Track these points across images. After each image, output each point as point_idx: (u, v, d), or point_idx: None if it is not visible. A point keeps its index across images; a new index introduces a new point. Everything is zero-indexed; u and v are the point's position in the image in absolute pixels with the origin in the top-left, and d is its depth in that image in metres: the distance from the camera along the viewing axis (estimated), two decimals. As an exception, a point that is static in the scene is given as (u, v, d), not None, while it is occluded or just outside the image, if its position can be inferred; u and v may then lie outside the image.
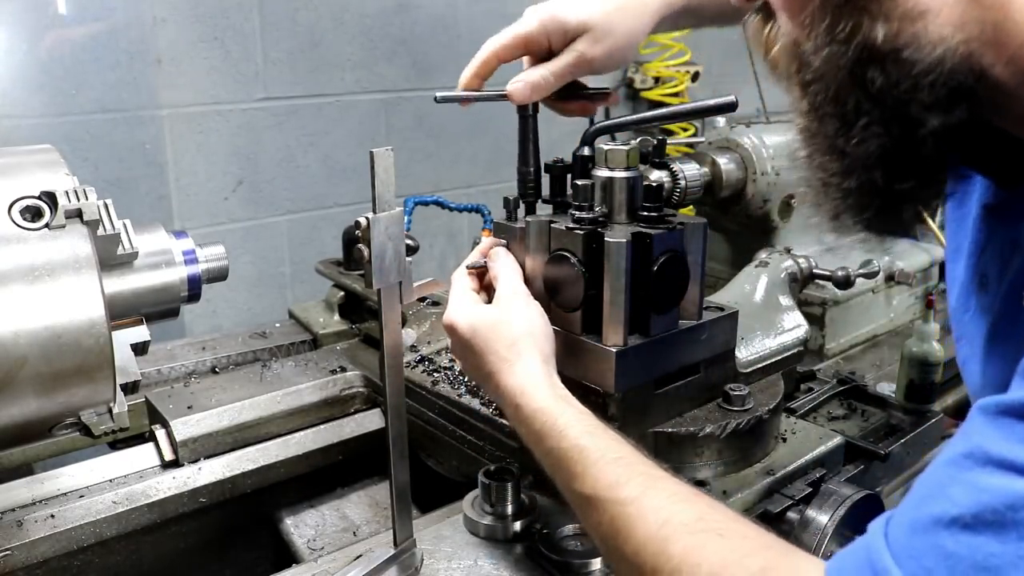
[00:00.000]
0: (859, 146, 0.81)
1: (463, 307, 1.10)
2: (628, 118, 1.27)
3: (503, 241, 1.19)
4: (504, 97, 1.18)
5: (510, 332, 1.04)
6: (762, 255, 1.61)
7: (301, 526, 1.46)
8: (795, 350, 1.45)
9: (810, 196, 0.93)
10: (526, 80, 1.17)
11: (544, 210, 1.20)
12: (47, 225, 0.93)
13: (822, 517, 1.13)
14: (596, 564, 1.05)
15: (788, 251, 1.61)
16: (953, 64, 0.75)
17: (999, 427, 0.67)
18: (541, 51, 1.19)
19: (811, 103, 0.84)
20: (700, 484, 1.09)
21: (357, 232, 0.93)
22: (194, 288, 1.14)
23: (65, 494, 1.30)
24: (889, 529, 0.69)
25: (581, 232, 1.07)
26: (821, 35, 0.80)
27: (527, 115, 1.21)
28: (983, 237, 0.99)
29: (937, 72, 0.75)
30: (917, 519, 0.67)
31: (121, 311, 1.07)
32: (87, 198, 0.95)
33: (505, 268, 1.14)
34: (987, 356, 0.99)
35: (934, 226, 1.85)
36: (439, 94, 1.19)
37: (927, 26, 0.75)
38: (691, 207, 1.96)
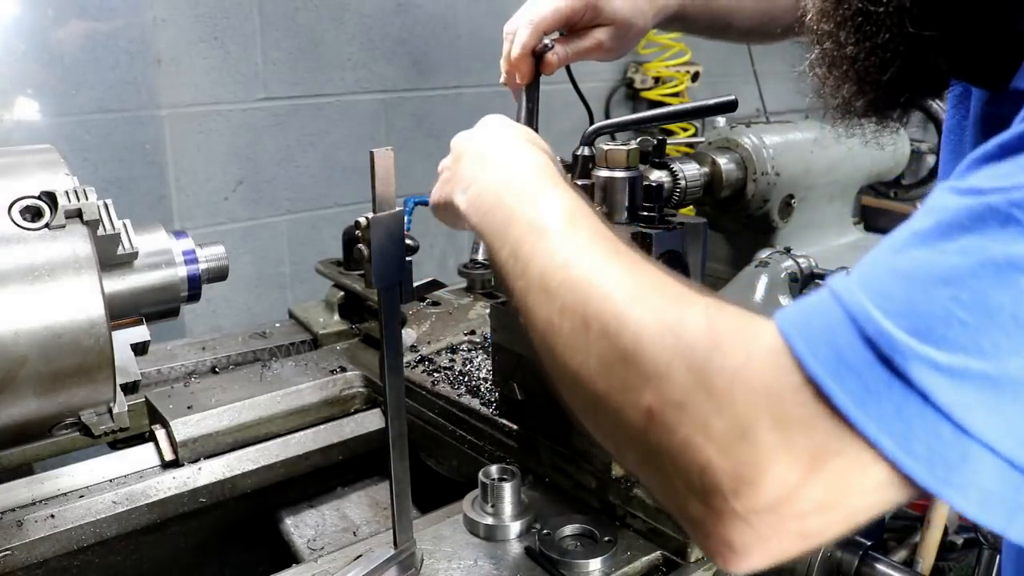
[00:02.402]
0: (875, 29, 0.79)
1: None
2: (628, 118, 1.27)
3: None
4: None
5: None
6: (762, 255, 1.61)
7: (301, 526, 1.46)
8: (795, 350, 1.45)
9: (817, 74, 0.90)
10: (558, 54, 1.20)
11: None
12: (47, 225, 0.93)
13: (822, 517, 1.12)
14: (595, 564, 1.05)
15: (788, 251, 1.61)
16: None
17: (981, 168, 0.58)
18: (571, 27, 1.22)
19: None
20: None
21: (357, 232, 0.93)
22: (194, 288, 1.14)
23: (65, 494, 1.30)
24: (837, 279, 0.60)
25: (581, 232, 1.07)
26: None
27: (532, 93, 1.22)
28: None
29: None
30: (874, 259, 0.59)
31: (121, 311, 1.07)
32: (87, 198, 0.95)
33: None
34: None
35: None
36: None
37: None
38: (691, 207, 1.96)
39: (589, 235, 0.76)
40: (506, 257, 0.80)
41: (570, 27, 1.21)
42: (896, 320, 0.54)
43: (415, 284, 1.02)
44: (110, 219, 0.99)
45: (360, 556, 1.08)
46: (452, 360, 1.55)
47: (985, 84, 0.89)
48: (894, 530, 1.97)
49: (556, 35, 1.22)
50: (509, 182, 0.87)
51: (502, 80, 1.23)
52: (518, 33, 1.18)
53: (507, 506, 1.13)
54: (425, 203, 1.97)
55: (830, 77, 0.87)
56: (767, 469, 0.55)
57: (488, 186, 0.89)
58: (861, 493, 0.56)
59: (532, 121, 1.21)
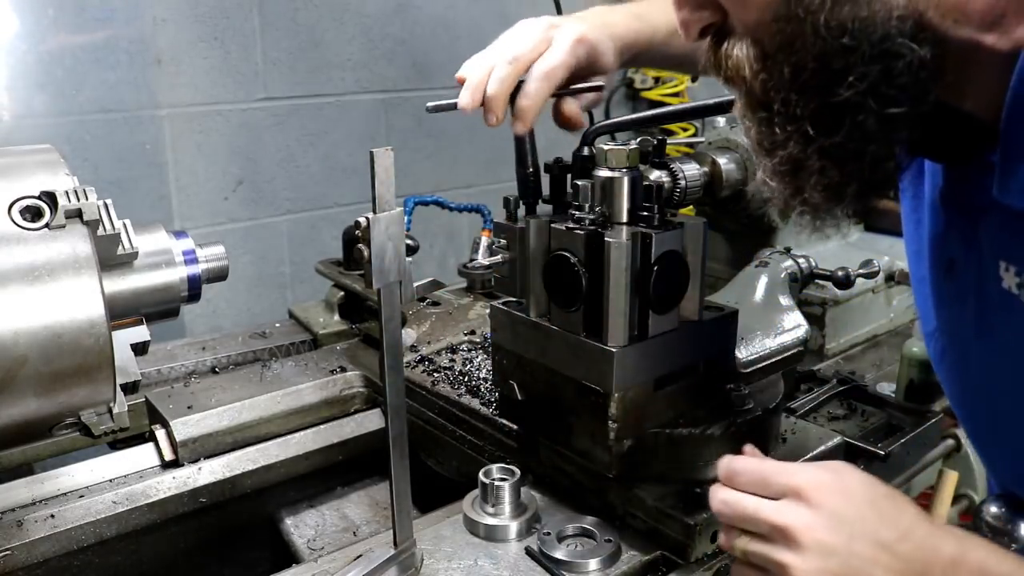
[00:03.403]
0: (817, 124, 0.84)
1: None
2: (628, 118, 1.28)
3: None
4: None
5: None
6: (762, 255, 1.61)
7: (301, 526, 1.46)
8: (795, 350, 1.45)
9: (766, 178, 0.94)
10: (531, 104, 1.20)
11: (544, 210, 1.20)
12: (47, 225, 0.93)
13: (822, 517, 1.12)
14: (595, 564, 1.05)
15: (788, 251, 1.61)
16: (905, 28, 0.78)
17: None
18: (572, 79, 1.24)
19: (769, 85, 0.86)
20: (700, 484, 1.09)
21: (357, 232, 0.93)
22: (194, 288, 1.14)
23: (65, 494, 1.30)
24: None
25: (581, 232, 1.07)
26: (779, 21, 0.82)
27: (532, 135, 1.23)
28: (943, 223, 1.00)
29: (893, 38, 0.78)
30: None
31: (121, 311, 1.07)
32: (87, 198, 0.95)
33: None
34: (981, 347, 0.99)
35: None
36: (430, 104, 1.20)
37: None
38: (691, 207, 1.96)
39: None
40: None
41: (571, 79, 1.23)
42: None
43: (415, 284, 1.02)
44: (110, 219, 0.99)
45: (360, 556, 1.08)
46: (452, 360, 1.55)
47: (952, 159, 0.90)
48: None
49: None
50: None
51: (519, 127, 1.22)
52: (534, 86, 1.18)
53: (507, 506, 1.13)
54: (425, 203, 1.97)
55: (787, 184, 0.91)
56: None
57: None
58: None
59: (525, 152, 1.21)
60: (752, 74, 0.88)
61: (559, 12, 2.38)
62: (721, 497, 0.91)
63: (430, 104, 1.20)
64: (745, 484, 0.90)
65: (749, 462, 0.92)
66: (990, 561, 0.82)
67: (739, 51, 0.89)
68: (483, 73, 1.19)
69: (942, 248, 1.01)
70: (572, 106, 1.25)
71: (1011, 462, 1.07)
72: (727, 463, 0.93)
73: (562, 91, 1.21)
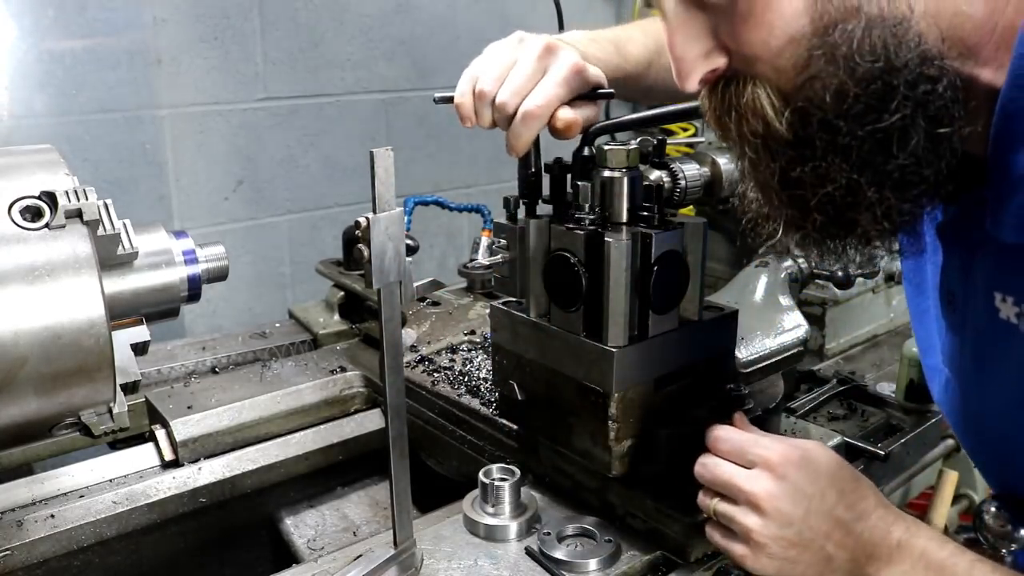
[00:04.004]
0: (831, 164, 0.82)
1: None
2: (628, 118, 1.27)
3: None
4: None
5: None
6: (762, 255, 1.61)
7: (301, 526, 1.46)
8: (795, 350, 1.45)
9: (761, 205, 0.93)
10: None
11: (544, 210, 1.20)
12: (47, 225, 0.93)
13: (822, 517, 1.12)
14: (595, 564, 1.05)
15: (788, 251, 1.61)
16: (931, 53, 0.77)
17: None
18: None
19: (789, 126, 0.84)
20: (700, 484, 1.09)
21: (357, 232, 0.93)
22: (194, 288, 1.14)
23: (65, 494, 1.30)
24: None
25: (581, 232, 1.07)
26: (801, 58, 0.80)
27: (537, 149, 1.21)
28: (942, 257, 1.00)
29: (930, 60, 0.77)
30: None
31: (121, 311, 1.07)
32: (87, 198, 0.95)
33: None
34: (979, 377, 0.99)
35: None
36: (438, 95, 1.19)
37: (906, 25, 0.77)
38: (691, 207, 1.96)
39: None
40: None
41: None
42: None
43: (415, 284, 1.02)
44: (110, 219, 0.99)
45: (360, 556, 1.08)
46: (452, 360, 1.55)
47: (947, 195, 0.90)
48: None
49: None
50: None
51: (515, 154, 1.16)
52: (523, 126, 1.11)
53: (507, 506, 1.13)
54: (425, 203, 1.97)
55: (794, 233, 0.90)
56: None
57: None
58: None
59: (526, 153, 1.19)
60: (775, 112, 0.84)
61: (559, 12, 2.38)
62: (702, 461, 1.01)
63: (437, 95, 1.19)
64: (725, 452, 1.00)
65: (731, 432, 1.01)
66: (931, 546, 0.91)
67: (754, 90, 0.85)
68: (473, 105, 1.15)
69: (942, 281, 1.01)
70: (566, 113, 1.14)
71: (1009, 486, 1.07)
72: (713, 430, 1.02)
73: (578, 97, 1.18)
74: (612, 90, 1.22)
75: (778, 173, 0.87)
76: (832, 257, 0.92)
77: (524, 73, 1.11)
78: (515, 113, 1.10)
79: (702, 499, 1.01)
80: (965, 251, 0.94)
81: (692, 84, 0.90)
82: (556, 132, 1.13)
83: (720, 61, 0.88)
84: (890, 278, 1.97)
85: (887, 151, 0.81)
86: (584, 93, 1.16)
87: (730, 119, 0.89)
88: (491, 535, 1.11)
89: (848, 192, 0.84)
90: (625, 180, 1.11)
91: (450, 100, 1.18)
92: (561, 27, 2.06)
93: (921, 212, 0.88)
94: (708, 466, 1.00)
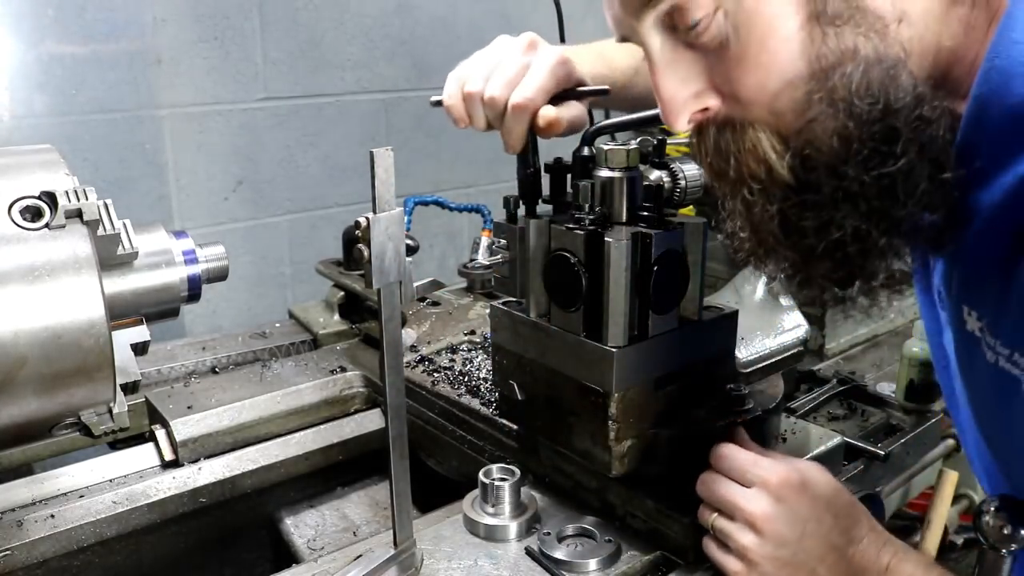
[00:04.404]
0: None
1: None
2: (628, 118, 1.27)
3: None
4: None
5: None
6: (762, 255, 1.61)
7: (301, 526, 1.46)
8: (795, 350, 1.45)
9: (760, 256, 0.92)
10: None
11: (544, 210, 1.20)
12: (47, 225, 0.93)
13: (822, 517, 1.12)
14: (595, 565, 1.05)
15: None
16: (926, 95, 0.78)
17: None
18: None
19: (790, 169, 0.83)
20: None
21: (357, 232, 0.93)
22: (194, 288, 1.14)
23: (65, 494, 1.30)
24: None
25: (581, 232, 1.07)
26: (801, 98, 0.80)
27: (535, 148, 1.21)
28: (933, 261, 1.01)
29: (925, 103, 0.78)
30: None
31: (121, 311, 1.07)
32: (87, 198, 0.95)
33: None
34: (961, 378, 1.00)
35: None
36: (434, 98, 1.19)
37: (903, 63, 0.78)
38: (691, 207, 1.95)
39: None
40: None
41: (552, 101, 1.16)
42: None
43: (415, 284, 1.02)
44: (110, 219, 0.99)
45: (360, 556, 1.08)
46: (452, 360, 1.55)
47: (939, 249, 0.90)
48: (894, 530, 1.96)
49: None
50: None
51: (511, 150, 1.16)
52: (513, 119, 1.11)
53: (507, 506, 1.13)
54: (425, 203, 1.97)
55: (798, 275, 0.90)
56: None
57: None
58: None
59: (525, 153, 1.19)
60: (777, 155, 0.83)
61: (559, 12, 2.38)
62: (703, 478, 1.04)
63: (433, 98, 1.20)
64: (726, 470, 1.02)
65: (734, 450, 1.03)
66: (918, 572, 0.95)
67: (754, 135, 0.84)
68: (463, 106, 1.15)
69: (936, 277, 1.01)
70: (548, 111, 1.13)
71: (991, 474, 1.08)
72: (716, 448, 1.05)
73: (569, 92, 1.18)
74: (606, 86, 1.22)
75: (778, 217, 0.85)
76: (831, 302, 0.93)
77: (510, 68, 1.12)
78: (506, 108, 1.10)
79: (702, 513, 1.04)
80: (947, 258, 0.95)
81: (681, 124, 0.89)
82: (538, 131, 1.13)
83: (712, 101, 0.87)
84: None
85: (894, 197, 0.80)
86: (573, 91, 1.17)
87: (728, 164, 0.87)
88: (491, 535, 1.11)
89: (856, 239, 0.83)
90: (625, 180, 1.11)
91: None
92: (561, 27, 2.06)
93: (929, 256, 0.89)
94: (708, 483, 1.03)
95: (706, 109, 0.88)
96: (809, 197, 0.83)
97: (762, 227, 0.87)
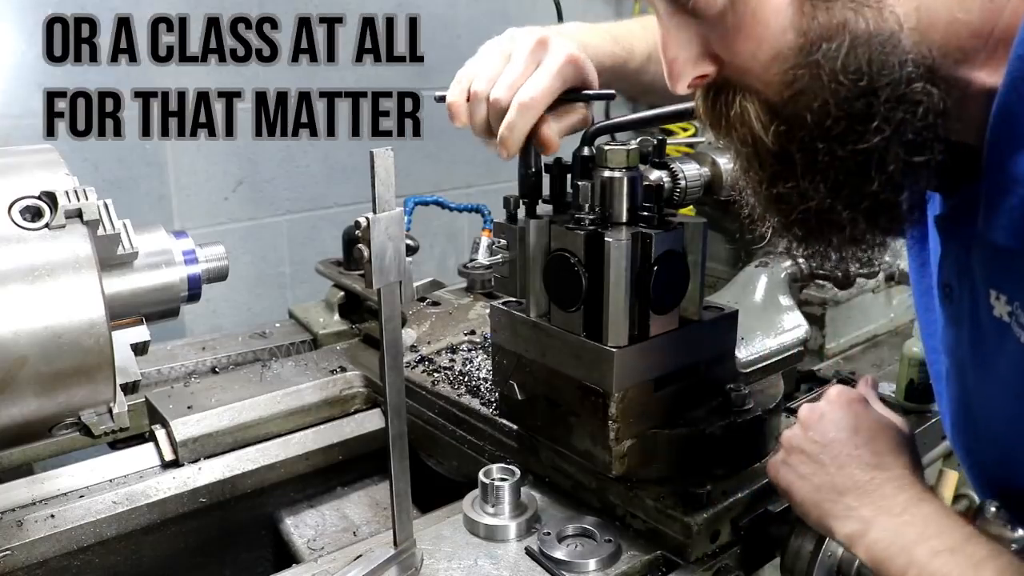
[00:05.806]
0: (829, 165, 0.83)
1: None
2: (628, 118, 1.27)
3: None
4: None
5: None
6: (762, 255, 1.61)
7: (301, 526, 1.46)
8: (795, 350, 1.45)
9: (782, 233, 0.94)
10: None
11: (544, 210, 1.20)
12: (47, 225, 0.93)
13: (822, 517, 1.12)
14: (595, 565, 1.05)
15: (788, 251, 1.61)
16: (917, 73, 0.77)
17: None
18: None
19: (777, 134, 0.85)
20: (700, 484, 1.09)
21: (357, 232, 0.93)
22: (194, 288, 1.14)
23: (65, 494, 1.30)
24: None
25: (581, 232, 1.07)
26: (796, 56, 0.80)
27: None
28: (940, 247, 1.00)
29: (911, 82, 0.78)
30: None
31: (121, 311, 1.07)
32: (87, 198, 0.95)
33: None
34: (977, 372, 0.99)
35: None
36: (438, 93, 1.19)
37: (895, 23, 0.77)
38: (691, 207, 1.96)
39: None
40: None
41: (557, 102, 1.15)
42: None
43: (415, 284, 1.02)
44: (110, 219, 0.99)
45: (360, 556, 1.08)
46: (452, 360, 1.55)
47: (942, 189, 0.91)
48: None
49: None
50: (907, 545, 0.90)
51: (507, 154, 1.15)
52: (516, 118, 1.10)
53: (507, 506, 1.13)
54: (425, 203, 1.97)
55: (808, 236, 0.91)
56: None
57: (882, 536, 0.92)
58: None
59: (526, 152, 1.18)
60: (762, 126, 0.85)
61: (559, 12, 2.38)
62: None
63: (438, 94, 1.20)
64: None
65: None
66: (934, 513, 0.92)
67: (742, 103, 0.87)
68: (466, 106, 1.15)
69: (940, 271, 1.01)
70: (550, 129, 1.14)
71: (994, 481, 1.08)
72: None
73: (572, 96, 1.17)
74: (612, 91, 1.21)
75: (765, 182, 0.89)
76: (818, 259, 0.95)
77: (517, 69, 1.12)
78: (509, 108, 1.11)
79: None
80: (961, 245, 0.94)
81: (682, 87, 0.91)
82: (535, 142, 1.15)
83: (709, 68, 0.89)
84: (890, 278, 1.97)
85: (865, 174, 0.81)
86: (579, 93, 1.16)
87: (722, 128, 0.91)
88: (491, 535, 1.11)
89: (824, 211, 0.85)
90: (625, 180, 1.11)
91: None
92: (561, 26, 2.06)
93: (895, 234, 0.90)
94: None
95: (705, 75, 0.90)
96: (787, 167, 0.85)
97: (755, 189, 0.91)
